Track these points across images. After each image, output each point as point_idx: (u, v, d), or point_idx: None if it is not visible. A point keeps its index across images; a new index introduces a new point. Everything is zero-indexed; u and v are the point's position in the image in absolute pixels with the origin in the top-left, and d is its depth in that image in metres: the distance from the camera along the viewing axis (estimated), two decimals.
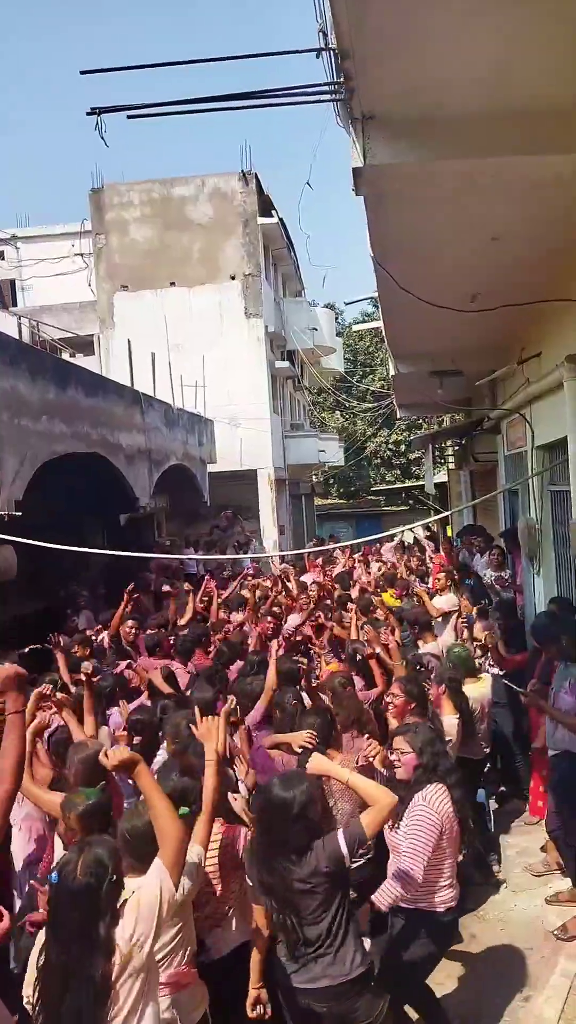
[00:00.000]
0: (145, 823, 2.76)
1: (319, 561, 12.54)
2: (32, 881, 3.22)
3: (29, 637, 6.70)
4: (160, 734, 4.42)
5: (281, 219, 21.82)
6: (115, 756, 2.60)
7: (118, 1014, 2.26)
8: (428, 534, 15.92)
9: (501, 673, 6.23)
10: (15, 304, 21.81)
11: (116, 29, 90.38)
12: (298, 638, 6.89)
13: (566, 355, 5.60)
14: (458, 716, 4.71)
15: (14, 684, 2.69)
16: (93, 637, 7.18)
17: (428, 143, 3.62)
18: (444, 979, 4.10)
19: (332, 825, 3.41)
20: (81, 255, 21.27)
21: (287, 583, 9.50)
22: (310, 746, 3.66)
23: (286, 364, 23.81)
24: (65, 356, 16.20)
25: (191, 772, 3.45)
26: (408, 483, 34.44)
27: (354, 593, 8.72)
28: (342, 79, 3.26)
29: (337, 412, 36.26)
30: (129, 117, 3.97)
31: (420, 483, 27.69)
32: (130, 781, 3.78)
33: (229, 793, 3.51)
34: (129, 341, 13.68)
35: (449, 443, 15.82)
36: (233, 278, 20.76)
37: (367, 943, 3.90)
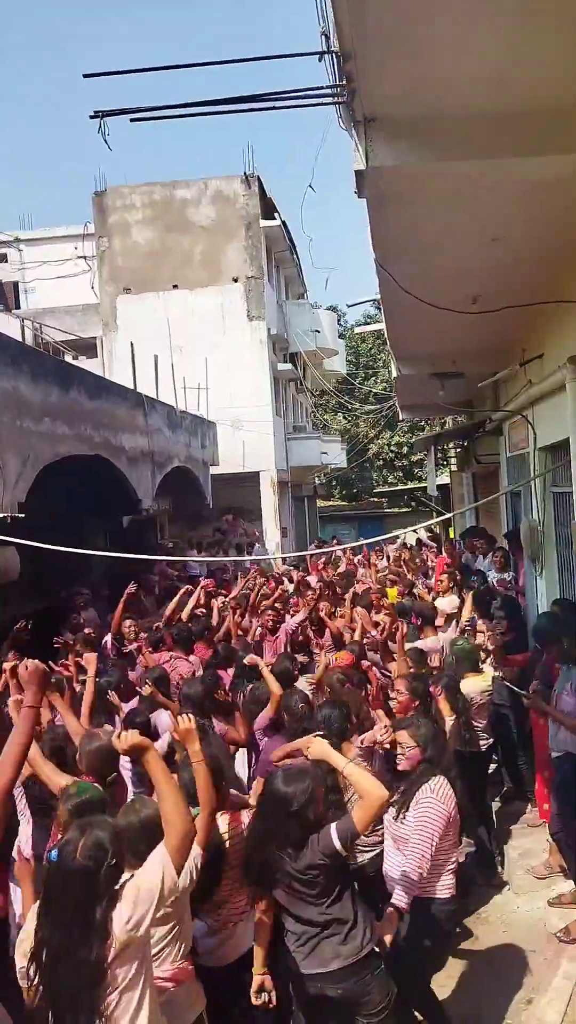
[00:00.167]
0: (141, 820, 2.77)
1: (321, 562, 12.55)
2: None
3: (31, 637, 6.72)
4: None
5: (283, 221, 21.86)
6: (127, 740, 2.62)
7: (114, 998, 2.25)
8: (431, 536, 15.91)
9: (502, 676, 6.22)
10: (18, 306, 21.86)
11: (119, 32, 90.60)
12: (300, 637, 6.91)
13: (568, 356, 5.59)
14: (454, 717, 4.74)
15: (38, 680, 2.75)
16: (94, 636, 7.21)
17: (430, 145, 3.63)
18: (446, 981, 4.10)
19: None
20: (84, 258, 21.34)
21: (288, 582, 9.51)
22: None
23: (288, 366, 23.84)
24: (68, 358, 16.23)
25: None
26: (410, 485, 34.44)
27: (358, 588, 8.78)
28: (344, 81, 3.28)
29: (339, 414, 36.28)
30: (132, 120, 4.00)
31: (422, 485, 27.68)
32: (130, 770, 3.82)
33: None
34: (132, 343, 13.71)
35: (451, 445, 15.80)
36: (235, 280, 20.80)
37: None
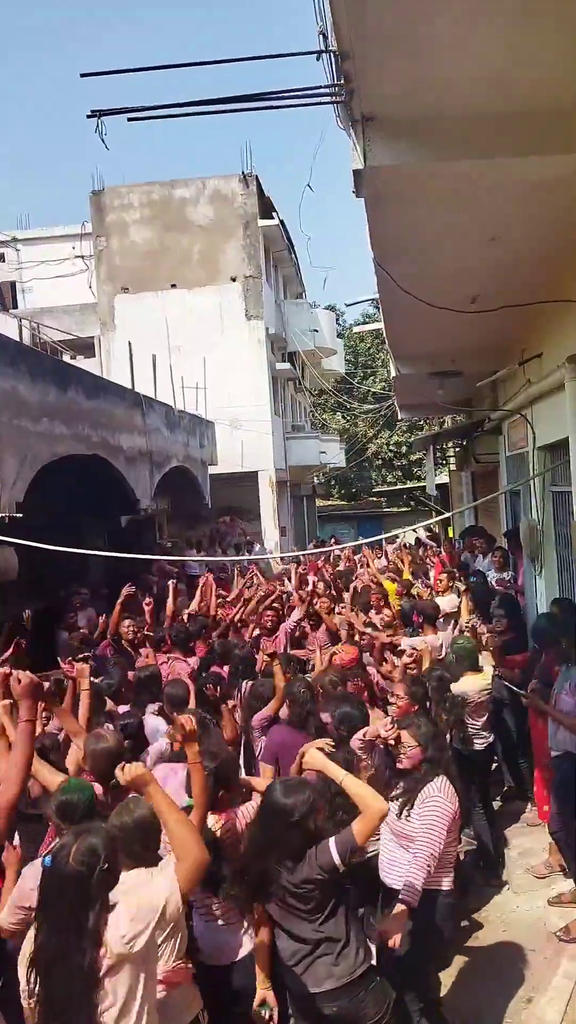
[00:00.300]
0: (135, 820, 2.76)
1: (320, 561, 12.55)
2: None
3: (29, 637, 6.72)
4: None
5: (282, 221, 21.85)
6: (130, 772, 2.60)
7: (110, 1007, 2.24)
8: (430, 535, 15.92)
9: (501, 675, 6.23)
10: (16, 306, 21.84)
11: (117, 32, 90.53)
12: (298, 633, 6.92)
13: (567, 356, 5.59)
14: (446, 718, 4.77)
15: (30, 693, 2.73)
16: (92, 636, 7.20)
17: (428, 144, 3.62)
18: (446, 980, 4.09)
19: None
20: (82, 257, 21.32)
21: (287, 581, 9.51)
22: (330, 749, 3.67)
23: (287, 366, 23.84)
24: (66, 358, 16.22)
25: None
26: (409, 484, 34.45)
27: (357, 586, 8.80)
28: (342, 81, 3.27)
29: (338, 413, 36.27)
30: (129, 119, 3.99)
31: (421, 484, 27.71)
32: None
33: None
34: (130, 343, 13.70)
35: (450, 444, 15.82)
36: (234, 280, 20.79)
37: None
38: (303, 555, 12.53)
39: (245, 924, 3.28)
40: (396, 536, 14.80)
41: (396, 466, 36.60)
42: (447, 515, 14.35)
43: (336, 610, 7.72)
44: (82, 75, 4.20)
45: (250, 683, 5.66)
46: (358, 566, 12.15)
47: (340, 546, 14.31)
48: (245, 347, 20.75)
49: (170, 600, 7.95)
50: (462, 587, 7.26)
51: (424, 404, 13.14)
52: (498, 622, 6.85)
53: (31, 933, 2.34)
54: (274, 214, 21.58)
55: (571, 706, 4.70)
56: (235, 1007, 3.19)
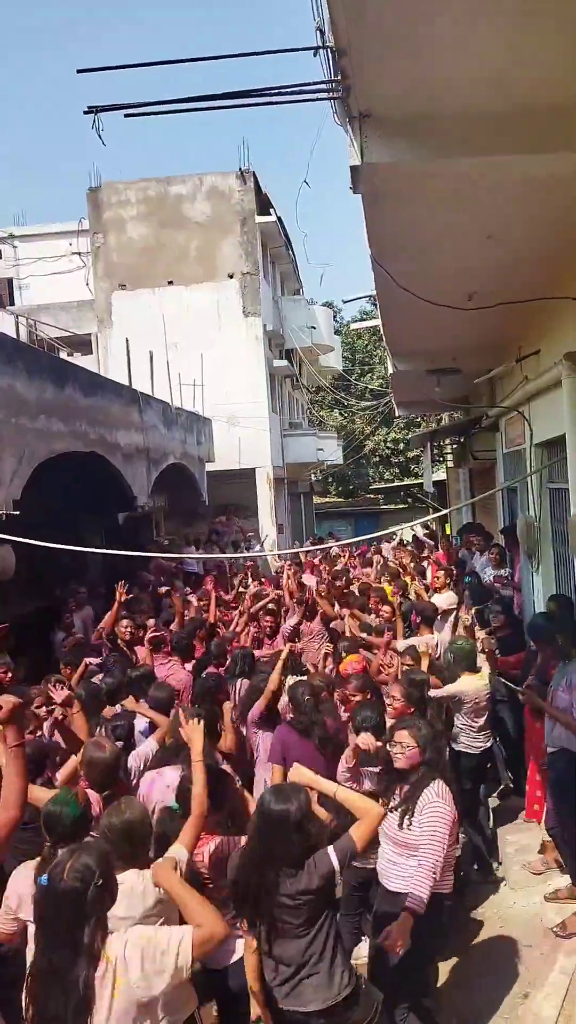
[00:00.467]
0: (123, 821, 2.77)
1: (317, 559, 12.55)
2: None
3: (28, 636, 6.71)
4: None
5: (279, 217, 21.80)
6: (157, 875, 2.57)
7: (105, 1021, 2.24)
8: (427, 532, 15.93)
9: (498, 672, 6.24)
10: (12, 303, 21.78)
11: (117, 31, 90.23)
12: (295, 638, 6.92)
13: (564, 352, 5.59)
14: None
15: (13, 718, 2.70)
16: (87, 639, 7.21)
17: (425, 141, 3.61)
18: (443, 976, 4.11)
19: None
20: (79, 254, 21.25)
21: (287, 580, 9.50)
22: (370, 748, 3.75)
23: (284, 363, 23.80)
24: (63, 355, 16.17)
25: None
26: (407, 481, 34.44)
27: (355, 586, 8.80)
28: (339, 77, 3.26)
29: (335, 410, 36.26)
30: (126, 116, 3.98)
31: (419, 481, 27.68)
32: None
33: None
34: (127, 340, 13.67)
35: (448, 441, 15.83)
36: (231, 276, 20.75)
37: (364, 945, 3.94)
38: (301, 552, 12.52)
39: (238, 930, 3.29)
40: (393, 534, 14.81)
41: (393, 463, 36.60)
42: (444, 512, 14.36)
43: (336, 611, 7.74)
44: (79, 71, 4.20)
45: (245, 681, 5.68)
46: (358, 565, 12.17)
47: (333, 544, 14.31)
48: (242, 344, 20.72)
49: (178, 603, 7.96)
50: (468, 611, 7.22)
51: (421, 401, 13.14)
52: (495, 618, 6.87)
53: (32, 952, 2.35)
54: (271, 210, 21.53)
55: (567, 703, 4.71)
56: (236, 1006, 3.20)
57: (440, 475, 18.28)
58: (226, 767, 4.00)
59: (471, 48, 3.01)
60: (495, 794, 6.40)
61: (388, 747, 3.77)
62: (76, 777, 3.76)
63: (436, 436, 15.70)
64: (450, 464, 16.16)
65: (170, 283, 20.70)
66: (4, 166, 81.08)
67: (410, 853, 3.54)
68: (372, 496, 36.33)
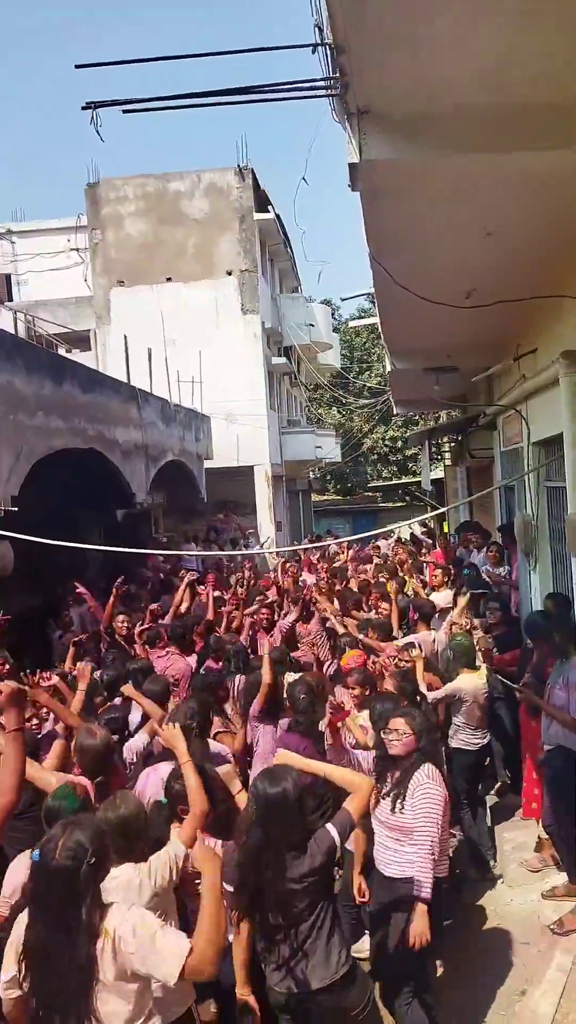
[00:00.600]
0: (119, 816, 2.77)
1: (315, 557, 12.54)
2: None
3: (28, 632, 6.71)
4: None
5: (278, 214, 21.76)
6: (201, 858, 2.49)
7: (110, 1006, 2.25)
8: (425, 530, 15.93)
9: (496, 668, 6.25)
10: (10, 299, 21.72)
11: (117, 31, 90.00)
12: (290, 634, 6.93)
13: (562, 351, 5.59)
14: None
15: (13, 702, 2.73)
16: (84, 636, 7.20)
17: (424, 138, 3.61)
18: (440, 973, 4.12)
19: None
20: (77, 250, 21.19)
21: (285, 579, 9.51)
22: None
23: (283, 360, 23.78)
24: (61, 351, 16.14)
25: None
26: (405, 479, 34.46)
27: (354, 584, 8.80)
28: (337, 74, 3.25)
29: (334, 408, 36.22)
30: (125, 112, 3.97)
31: (417, 479, 27.71)
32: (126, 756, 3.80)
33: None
34: (125, 337, 13.65)
35: (446, 439, 15.81)
36: (229, 274, 20.71)
37: (366, 939, 3.96)
38: (298, 549, 12.52)
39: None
40: (391, 532, 14.80)
41: (391, 461, 36.59)
42: (442, 510, 14.37)
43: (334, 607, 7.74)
44: (77, 66, 4.16)
45: (243, 677, 5.69)
46: (357, 562, 12.16)
47: (332, 541, 14.31)
48: (240, 341, 20.69)
49: (178, 596, 7.97)
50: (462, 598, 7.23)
51: (419, 399, 13.14)
52: (492, 615, 6.88)
53: (20, 925, 2.34)
54: (270, 208, 21.49)
55: (563, 700, 4.72)
56: (234, 1004, 3.20)
57: (438, 473, 18.27)
58: (233, 767, 3.97)
59: (470, 46, 3.01)
60: (492, 792, 6.41)
61: (383, 734, 3.81)
62: (68, 763, 3.78)
63: (434, 434, 15.70)
64: (448, 462, 16.15)
65: (168, 280, 20.66)
66: (3, 163, 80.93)
67: (405, 837, 3.59)
68: (370, 494, 36.34)
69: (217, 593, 8.38)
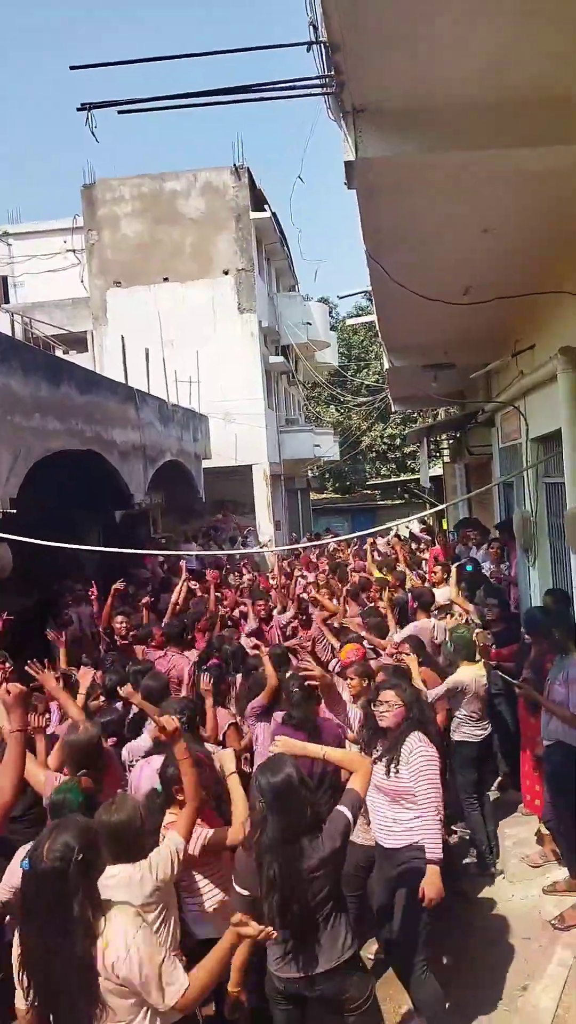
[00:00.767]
0: (115, 821, 2.77)
1: (313, 555, 12.55)
2: None
3: (26, 632, 6.71)
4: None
5: (274, 213, 21.75)
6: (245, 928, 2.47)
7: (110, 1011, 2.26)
8: (424, 528, 15.94)
9: (495, 665, 6.26)
10: (7, 301, 21.70)
11: (117, 31, 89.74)
12: (289, 631, 6.93)
13: (560, 347, 5.60)
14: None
15: (21, 703, 2.76)
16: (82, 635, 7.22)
17: (420, 136, 3.61)
18: (441, 968, 4.12)
19: None
20: (73, 251, 21.18)
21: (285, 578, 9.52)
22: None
23: (280, 359, 23.77)
24: (59, 353, 16.13)
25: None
26: (403, 477, 34.46)
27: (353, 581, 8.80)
28: (332, 72, 3.25)
29: (332, 406, 36.23)
30: (120, 112, 3.97)
31: (415, 477, 27.72)
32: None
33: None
34: (122, 337, 13.65)
35: (444, 437, 15.81)
36: (226, 273, 20.70)
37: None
38: (297, 548, 12.53)
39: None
40: (389, 530, 14.81)
41: (390, 459, 36.60)
42: (441, 507, 14.37)
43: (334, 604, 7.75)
44: (71, 67, 4.16)
45: (241, 676, 5.69)
46: (357, 560, 12.17)
47: (330, 539, 14.31)
48: (238, 340, 20.69)
49: (175, 595, 7.96)
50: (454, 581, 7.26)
51: (418, 396, 13.14)
52: (490, 611, 6.88)
53: (18, 937, 2.35)
54: (266, 206, 21.47)
55: (563, 696, 4.72)
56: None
57: (437, 470, 18.27)
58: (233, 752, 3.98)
59: (469, 46, 3.02)
60: (494, 787, 6.42)
61: (373, 707, 3.90)
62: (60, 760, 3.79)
63: (432, 431, 15.69)
64: (446, 459, 16.15)
65: (165, 280, 20.65)
66: (1, 164, 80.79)
67: (404, 801, 3.63)
68: (369, 492, 36.35)
69: (218, 594, 8.38)
